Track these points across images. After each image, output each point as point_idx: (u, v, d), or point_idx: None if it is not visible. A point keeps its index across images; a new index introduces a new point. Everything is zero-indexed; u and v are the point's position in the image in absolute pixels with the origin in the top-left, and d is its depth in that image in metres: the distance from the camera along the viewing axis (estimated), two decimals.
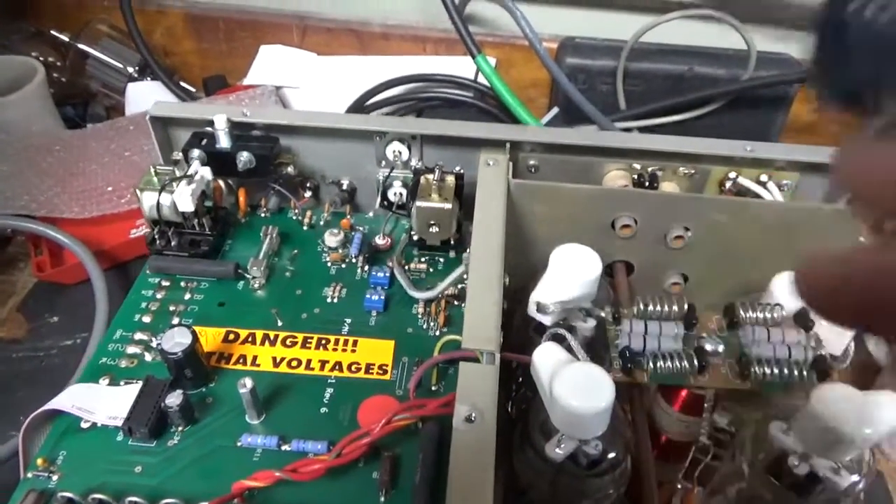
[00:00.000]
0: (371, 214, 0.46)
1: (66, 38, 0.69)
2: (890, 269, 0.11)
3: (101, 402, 0.34)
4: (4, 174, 0.55)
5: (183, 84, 0.69)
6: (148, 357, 0.37)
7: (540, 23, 0.57)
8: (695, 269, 0.43)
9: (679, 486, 0.40)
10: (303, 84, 0.68)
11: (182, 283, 0.41)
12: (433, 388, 0.35)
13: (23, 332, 0.50)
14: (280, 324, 0.38)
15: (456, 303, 0.40)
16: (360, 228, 0.44)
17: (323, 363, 0.37)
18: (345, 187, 0.46)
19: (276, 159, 0.43)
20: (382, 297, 0.39)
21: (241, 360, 0.37)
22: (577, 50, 0.63)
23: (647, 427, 0.37)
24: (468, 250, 0.36)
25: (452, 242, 0.42)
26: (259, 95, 0.64)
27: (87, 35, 0.69)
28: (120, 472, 0.32)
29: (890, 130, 0.10)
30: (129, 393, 0.34)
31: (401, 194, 0.44)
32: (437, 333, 0.38)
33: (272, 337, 0.38)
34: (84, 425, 0.33)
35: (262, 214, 0.45)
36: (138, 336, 0.37)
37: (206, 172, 0.41)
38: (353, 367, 0.36)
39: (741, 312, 0.37)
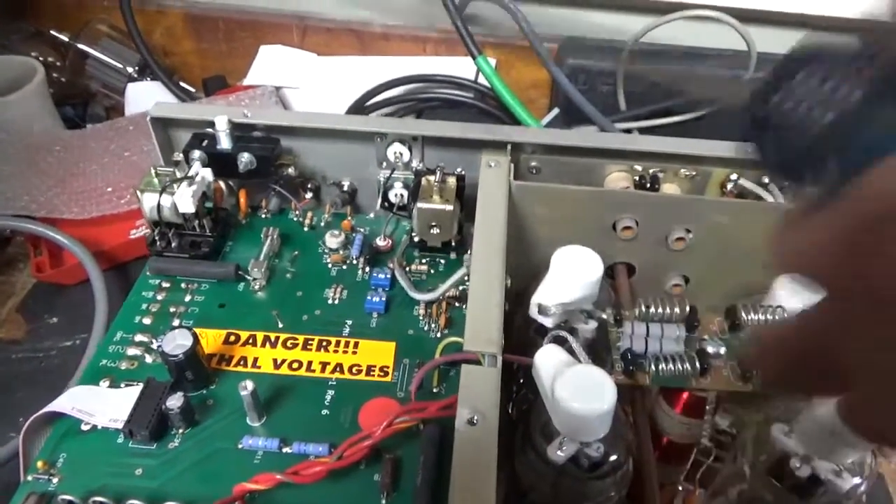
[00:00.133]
0: (372, 216, 0.46)
1: (65, 38, 0.69)
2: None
3: (101, 405, 0.33)
4: (4, 174, 0.55)
5: (183, 84, 0.69)
6: (148, 359, 0.36)
7: (540, 23, 0.57)
8: (696, 270, 0.43)
9: (680, 488, 0.40)
10: (303, 84, 0.68)
11: (182, 285, 0.40)
12: (434, 391, 0.35)
13: (22, 333, 0.50)
14: (281, 325, 0.38)
15: (457, 304, 0.39)
16: (361, 230, 0.44)
17: (324, 365, 0.36)
18: (346, 188, 0.46)
19: (277, 160, 0.43)
20: (383, 299, 0.39)
21: (241, 362, 0.37)
22: (578, 51, 0.63)
23: (649, 429, 0.37)
24: (469, 252, 0.36)
25: (453, 244, 0.42)
26: (259, 96, 0.64)
27: (86, 35, 0.69)
28: (120, 474, 0.31)
29: (826, 199, 0.10)
30: (129, 395, 0.33)
31: (402, 195, 0.44)
32: (439, 335, 0.38)
33: (273, 339, 0.38)
34: (84, 427, 0.33)
35: (263, 216, 0.45)
36: (139, 338, 0.37)
37: (207, 174, 0.41)
38: (353, 369, 0.36)
39: (743, 314, 0.37)
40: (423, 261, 0.43)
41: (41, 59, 0.64)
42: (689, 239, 0.40)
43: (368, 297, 0.39)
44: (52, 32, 0.69)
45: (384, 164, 0.45)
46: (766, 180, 0.43)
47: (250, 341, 0.37)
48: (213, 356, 0.37)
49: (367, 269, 0.42)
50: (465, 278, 0.38)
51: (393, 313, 0.39)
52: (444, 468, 0.30)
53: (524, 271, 0.37)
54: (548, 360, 0.30)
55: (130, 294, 0.40)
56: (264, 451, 0.33)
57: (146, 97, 0.66)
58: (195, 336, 0.34)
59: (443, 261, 0.43)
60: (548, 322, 0.34)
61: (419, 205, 0.41)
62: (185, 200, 0.39)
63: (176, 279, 0.41)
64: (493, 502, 0.25)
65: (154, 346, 0.37)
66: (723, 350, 0.36)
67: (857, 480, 0.30)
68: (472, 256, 0.35)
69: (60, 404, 0.33)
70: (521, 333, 0.37)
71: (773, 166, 0.11)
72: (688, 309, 0.36)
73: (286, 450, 0.32)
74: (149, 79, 0.68)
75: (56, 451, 0.32)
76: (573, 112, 0.59)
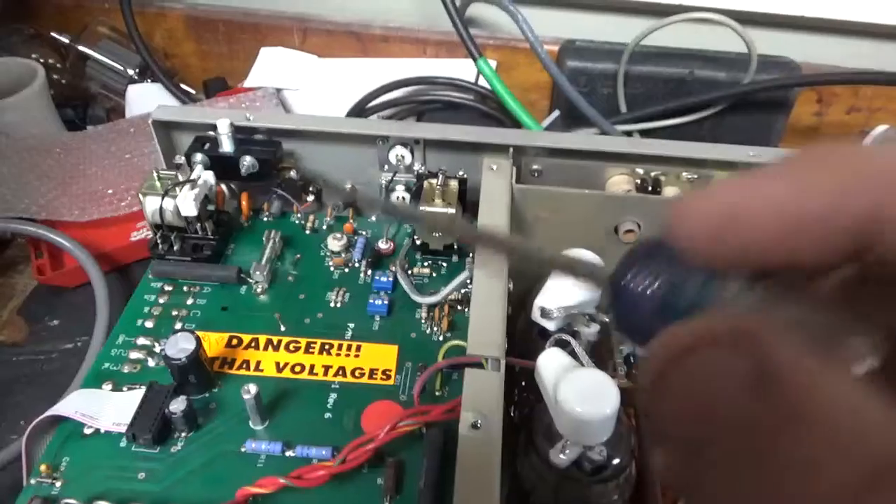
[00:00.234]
0: (374, 218, 0.46)
1: (66, 40, 0.69)
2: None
3: (104, 408, 0.33)
4: (4, 177, 0.55)
5: (183, 86, 0.69)
6: (151, 362, 0.36)
7: (541, 26, 0.57)
8: None
9: None
10: (303, 86, 0.68)
11: (185, 288, 0.40)
12: (437, 394, 0.35)
13: (23, 336, 0.50)
14: (283, 328, 0.38)
15: (459, 307, 0.40)
16: (363, 233, 0.44)
17: (326, 368, 0.36)
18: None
19: (279, 163, 0.43)
20: (386, 302, 0.39)
21: (244, 366, 0.37)
22: (579, 53, 0.63)
23: None
24: (471, 255, 0.36)
25: (455, 247, 0.42)
26: (260, 98, 0.64)
27: (87, 37, 0.69)
28: (123, 478, 0.32)
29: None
30: (132, 399, 0.33)
31: (404, 198, 0.44)
32: (441, 338, 0.38)
33: (275, 342, 0.38)
34: (87, 431, 0.33)
35: (265, 219, 0.45)
36: (141, 341, 0.37)
37: (209, 177, 0.41)
38: (356, 373, 0.36)
39: None
40: (426, 264, 0.43)
41: (41, 61, 0.64)
42: None
43: (371, 301, 0.39)
44: (53, 34, 0.69)
45: (386, 166, 0.45)
46: None
47: (253, 344, 0.38)
48: (216, 359, 0.37)
49: (370, 272, 0.42)
50: (468, 281, 0.38)
51: (395, 316, 0.39)
52: (448, 472, 0.30)
53: (526, 274, 0.38)
54: (550, 363, 0.30)
55: (133, 297, 0.40)
56: (267, 454, 0.33)
57: (147, 99, 0.66)
58: (198, 339, 0.34)
59: (445, 264, 0.43)
60: (550, 325, 0.34)
61: (421, 208, 0.41)
62: (187, 204, 0.39)
63: (178, 282, 0.41)
64: None
65: (156, 349, 0.37)
66: None
67: None
68: (476, 260, 0.35)
69: (63, 408, 0.33)
70: (524, 337, 0.37)
71: (625, 332, 0.15)
72: None
73: (289, 453, 0.33)
74: (149, 81, 0.68)
75: (59, 454, 0.32)
76: (574, 114, 0.59)
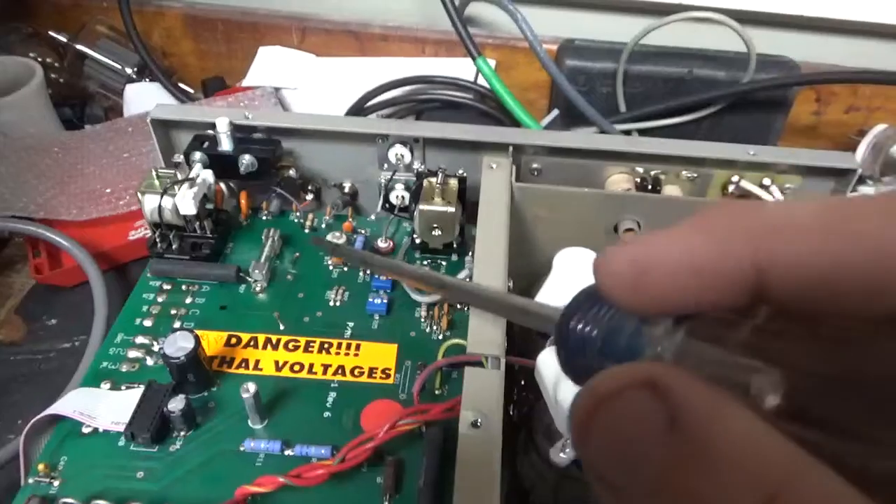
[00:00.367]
0: (373, 217, 0.46)
1: (64, 39, 0.69)
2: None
3: (102, 407, 0.33)
4: (2, 176, 0.54)
5: (181, 85, 0.69)
6: (149, 361, 0.36)
7: (540, 25, 0.57)
8: None
9: None
10: (302, 85, 0.68)
11: (183, 287, 0.40)
12: (437, 392, 0.35)
13: (20, 335, 0.50)
14: (282, 327, 0.38)
15: (459, 306, 0.39)
16: (362, 231, 0.44)
17: (326, 367, 0.36)
18: (347, 190, 0.46)
19: (278, 162, 0.43)
20: (385, 301, 0.39)
21: (243, 364, 0.36)
22: (578, 52, 0.63)
23: None
24: (471, 254, 0.36)
25: (455, 246, 0.42)
26: (258, 97, 0.64)
27: (85, 36, 0.69)
28: (122, 477, 0.31)
29: None
30: (130, 398, 0.33)
31: (403, 197, 0.44)
32: (441, 337, 0.38)
33: (274, 341, 0.38)
34: (85, 430, 0.33)
35: (264, 217, 0.45)
36: (139, 340, 0.37)
37: (208, 175, 0.41)
38: (355, 371, 0.36)
39: None
40: (425, 262, 0.43)
41: (39, 59, 0.64)
42: None
43: (370, 299, 0.39)
44: (51, 33, 0.69)
45: (385, 165, 0.44)
46: (768, 182, 0.43)
47: (252, 343, 0.37)
48: (215, 358, 0.36)
49: (369, 270, 0.42)
50: (467, 280, 0.38)
51: (395, 315, 0.39)
52: (447, 471, 0.30)
53: (526, 273, 0.38)
54: (550, 362, 0.30)
55: (131, 296, 0.40)
56: (266, 453, 0.32)
57: (145, 98, 0.66)
58: (197, 338, 0.34)
59: (444, 263, 0.43)
60: None
61: (421, 206, 0.40)
62: (186, 202, 0.39)
63: (177, 281, 0.41)
64: None
65: (155, 348, 0.37)
66: None
67: None
68: (475, 258, 0.35)
69: (61, 407, 0.33)
70: (523, 335, 0.37)
71: (571, 373, 0.16)
72: None
73: (288, 452, 0.32)
74: (147, 80, 0.68)
75: (57, 453, 0.32)
76: (573, 113, 0.59)
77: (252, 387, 0.32)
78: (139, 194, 0.40)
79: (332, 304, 0.40)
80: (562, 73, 0.58)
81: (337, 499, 0.31)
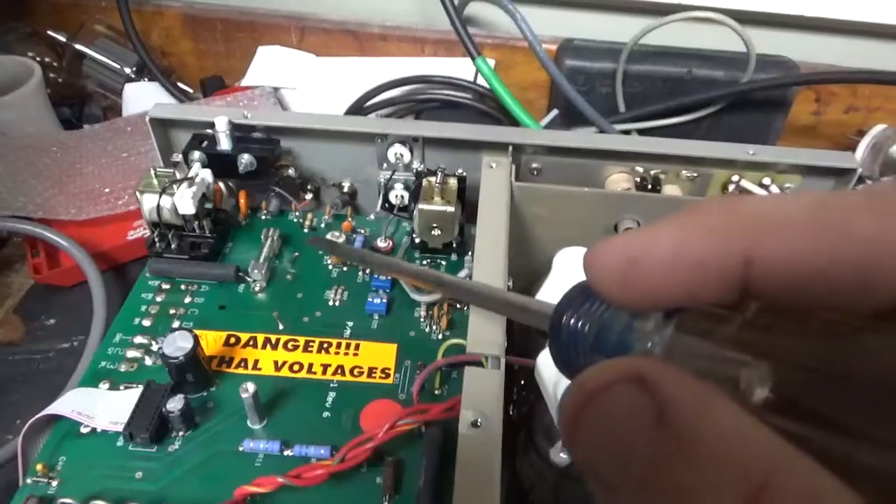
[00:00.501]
0: (372, 217, 0.46)
1: (62, 39, 0.68)
2: None
3: (101, 407, 0.33)
4: (0, 175, 0.54)
5: (180, 85, 0.69)
6: (148, 361, 0.36)
7: (539, 24, 0.56)
8: None
9: None
10: (301, 85, 0.68)
11: (182, 286, 0.40)
12: (436, 392, 0.35)
13: (19, 335, 0.49)
14: (281, 327, 0.38)
15: (458, 306, 0.39)
16: (362, 231, 0.44)
17: (325, 367, 0.36)
18: (346, 190, 0.46)
19: (277, 161, 0.43)
20: (384, 300, 0.39)
21: (242, 364, 0.36)
22: (577, 52, 0.63)
23: None
24: (471, 253, 0.36)
25: (454, 245, 0.42)
26: (257, 97, 0.64)
27: (83, 35, 0.69)
28: (120, 477, 0.31)
29: None
30: (129, 397, 0.33)
31: (402, 197, 0.44)
32: (440, 337, 0.38)
33: (273, 340, 0.37)
34: (84, 430, 0.33)
35: (263, 217, 0.45)
36: (138, 340, 0.37)
37: (207, 175, 0.41)
38: (355, 371, 0.36)
39: None
40: (424, 262, 0.43)
41: (38, 59, 0.64)
42: None
43: (369, 299, 0.39)
44: (49, 33, 0.69)
45: (385, 165, 0.44)
46: (767, 182, 0.43)
47: (251, 343, 0.37)
48: (214, 358, 0.36)
49: (368, 270, 0.42)
50: (467, 279, 0.38)
51: (394, 315, 0.39)
52: (447, 471, 0.30)
53: (526, 273, 0.37)
54: (550, 361, 0.30)
55: (130, 296, 0.40)
56: (265, 453, 0.32)
57: (144, 98, 0.66)
58: (196, 338, 0.34)
59: (443, 262, 0.43)
60: None
61: (420, 206, 0.40)
62: (184, 202, 0.39)
63: (176, 281, 0.41)
64: None
65: (154, 347, 0.37)
66: None
67: None
68: (475, 258, 0.35)
69: (60, 407, 0.33)
70: (523, 335, 0.37)
71: (564, 369, 0.16)
72: None
73: (287, 452, 0.32)
74: (146, 79, 0.68)
75: (55, 454, 0.32)
76: (572, 113, 0.59)
77: (251, 387, 0.32)
78: (138, 194, 0.40)
79: (331, 303, 0.40)
80: (561, 73, 0.58)
81: (336, 499, 0.31)
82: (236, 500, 0.30)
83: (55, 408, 0.33)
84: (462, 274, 0.39)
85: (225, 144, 0.41)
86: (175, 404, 0.32)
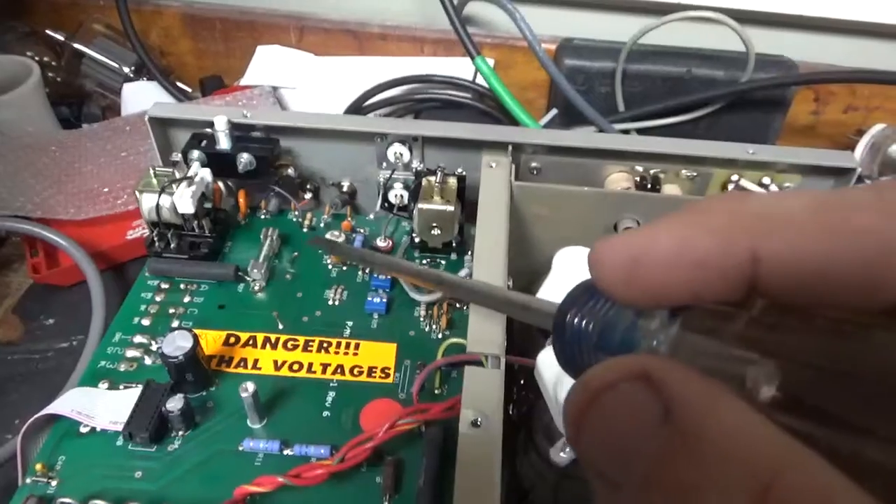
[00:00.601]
0: (372, 216, 0.46)
1: (61, 38, 0.68)
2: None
3: (100, 407, 0.33)
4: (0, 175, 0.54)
5: (179, 84, 0.69)
6: (148, 360, 0.36)
7: (539, 24, 0.56)
8: None
9: None
10: (300, 85, 0.68)
11: (182, 286, 0.40)
12: (436, 392, 0.35)
13: (18, 334, 0.49)
14: (281, 327, 0.38)
15: (458, 305, 0.39)
16: (361, 230, 0.44)
17: (325, 366, 0.36)
18: (345, 189, 0.46)
19: (277, 161, 0.43)
20: (384, 300, 0.39)
21: (241, 364, 0.36)
22: (576, 51, 0.63)
23: None
24: (470, 253, 0.36)
25: (454, 245, 0.42)
26: (256, 96, 0.64)
27: (82, 35, 0.69)
28: (120, 477, 0.31)
29: None
30: (128, 397, 0.33)
31: (402, 196, 0.44)
32: (440, 336, 0.38)
33: (273, 340, 0.37)
34: (83, 430, 0.33)
35: (262, 216, 0.45)
36: (137, 339, 0.37)
37: (206, 174, 0.41)
38: (355, 371, 0.36)
39: None
40: (424, 262, 0.43)
41: (37, 58, 0.64)
42: None
43: (369, 298, 0.39)
44: (48, 32, 0.69)
45: (384, 164, 0.44)
46: (767, 181, 0.43)
47: (250, 343, 0.37)
48: (213, 358, 0.36)
49: (368, 269, 0.42)
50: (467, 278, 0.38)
51: (394, 314, 0.39)
52: (447, 470, 0.30)
53: (526, 272, 0.37)
54: (551, 361, 0.30)
55: (129, 295, 0.40)
56: (265, 453, 0.32)
57: (142, 97, 0.66)
58: (195, 337, 0.34)
59: (443, 262, 0.43)
60: None
61: (420, 205, 0.40)
62: (184, 201, 0.39)
63: (175, 280, 0.40)
64: None
65: (153, 347, 0.37)
66: None
67: None
68: (475, 257, 0.35)
69: (59, 406, 0.33)
70: (523, 334, 0.37)
71: (568, 368, 0.16)
72: None
73: (287, 452, 0.32)
74: (145, 79, 0.68)
75: (55, 453, 0.32)
76: (571, 113, 0.59)
77: (251, 386, 0.32)
78: (137, 193, 0.40)
79: (330, 303, 0.40)
80: (560, 73, 0.58)
81: (336, 499, 0.31)
82: (236, 499, 0.30)
83: (54, 407, 0.33)
84: (462, 273, 0.39)
85: (224, 144, 0.41)
86: (175, 404, 0.32)
